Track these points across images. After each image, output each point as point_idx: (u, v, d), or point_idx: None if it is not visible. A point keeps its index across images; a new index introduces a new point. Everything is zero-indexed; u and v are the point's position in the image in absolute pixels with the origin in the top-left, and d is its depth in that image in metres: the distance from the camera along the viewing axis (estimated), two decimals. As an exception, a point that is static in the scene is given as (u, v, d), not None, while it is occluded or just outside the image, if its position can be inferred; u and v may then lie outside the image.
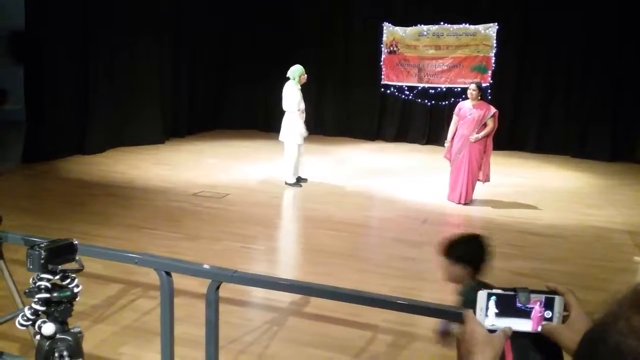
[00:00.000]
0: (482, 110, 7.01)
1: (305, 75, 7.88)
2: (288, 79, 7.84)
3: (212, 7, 12.58)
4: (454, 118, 7.26)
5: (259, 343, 3.67)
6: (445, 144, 7.40)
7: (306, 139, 8.13)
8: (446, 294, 4.59)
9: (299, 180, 8.16)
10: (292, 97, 7.75)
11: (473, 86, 7.12)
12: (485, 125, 7.01)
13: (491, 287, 1.06)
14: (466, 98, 7.28)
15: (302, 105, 7.85)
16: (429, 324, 3.82)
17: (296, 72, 7.80)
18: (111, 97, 10.28)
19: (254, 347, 3.61)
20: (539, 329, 1.03)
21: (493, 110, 7.03)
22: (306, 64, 12.56)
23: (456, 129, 7.20)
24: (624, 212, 7.18)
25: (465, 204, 7.21)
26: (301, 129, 7.91)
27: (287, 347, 3.64)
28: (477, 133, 6.99)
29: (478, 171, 7.21)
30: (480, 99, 7.13)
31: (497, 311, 1.03)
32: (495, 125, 7.06)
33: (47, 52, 9.11)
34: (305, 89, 8.07)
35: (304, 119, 7.94)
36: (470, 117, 7.04)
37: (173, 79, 11.85)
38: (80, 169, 8.79)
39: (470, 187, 7.25)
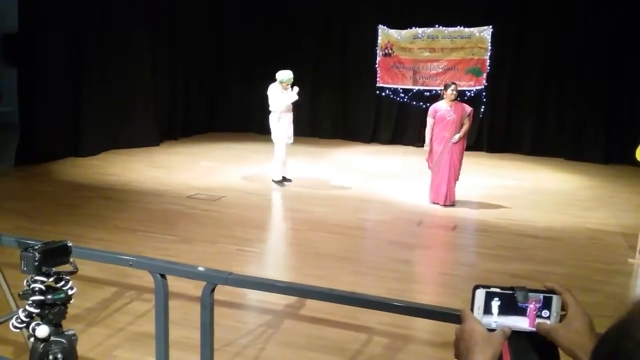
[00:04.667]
0: (459, 110, 7.08)
1: (287, 85, 7.99)
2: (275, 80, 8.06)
3: (207, 9, 12.57)
4: (430, 121, 7.20)
5: (255, 346, 3.65)
6: (425, 148, 7.32)
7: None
8: (441, 296, 4.60)
9: (284, 180, 8.28)
10: (271, 98, 7.99)
11: (454, 86, 7.15)
12: (462, 124, 7.08)
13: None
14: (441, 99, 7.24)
15: (284, 106, 7.97)
16: (424, 326, 3.83)
17: (284, 76, 7.93)
18: (105, 99, 10.24)
19: (249, 350, 3.60)
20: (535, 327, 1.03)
21: (469, 109, 7.17)
22: (302, 66, 12.72)
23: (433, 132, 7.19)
24: (618, 214, 7.21)
25: (451, 204, 7.23)
26: (285, 129, 8.07)
27: (282, 350, 3.63)
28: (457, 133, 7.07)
29: (459, 171, 7.25)
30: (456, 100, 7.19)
31: (496, 309, 1.03)
32: (470, 123, 7.14)
33: (41, 54, 9.07)
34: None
35: (292, 119, 8.13)
36: (449, 118, 7.06)
37: (168, 81, 11.82)
38: (74, 172, 8.75)
39: (453, 188, 7.30)
